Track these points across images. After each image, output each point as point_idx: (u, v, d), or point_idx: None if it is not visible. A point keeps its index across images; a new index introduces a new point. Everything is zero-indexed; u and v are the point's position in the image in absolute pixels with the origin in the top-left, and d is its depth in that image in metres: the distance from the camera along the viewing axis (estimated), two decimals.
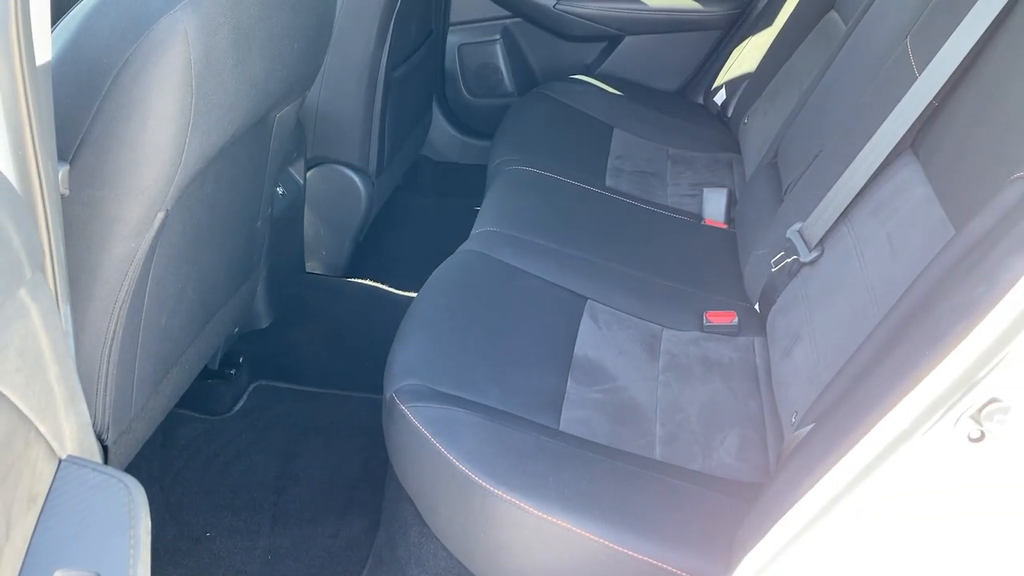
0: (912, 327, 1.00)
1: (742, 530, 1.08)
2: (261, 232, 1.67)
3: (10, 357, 0.63)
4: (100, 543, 0.70)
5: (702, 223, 2.00)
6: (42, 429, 0.69)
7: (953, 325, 0.87)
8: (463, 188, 2.62)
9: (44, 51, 0.89)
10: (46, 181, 0.91)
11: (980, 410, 0.81)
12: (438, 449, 1.19)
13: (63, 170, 1.03)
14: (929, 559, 0.87)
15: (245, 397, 1.91)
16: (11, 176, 0.86)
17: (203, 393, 1.80)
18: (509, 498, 1.13)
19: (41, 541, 0.68)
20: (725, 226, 2.00)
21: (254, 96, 1.24)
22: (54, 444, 0.72)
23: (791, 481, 1.02)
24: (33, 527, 0.68)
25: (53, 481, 0.71)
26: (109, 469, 0.75)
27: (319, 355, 2.03)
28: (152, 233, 1.13)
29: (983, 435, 0.82)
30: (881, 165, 1.39)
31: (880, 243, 1.31)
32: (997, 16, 1.26)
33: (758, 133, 2.17)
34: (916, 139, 1.37)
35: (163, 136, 1.05)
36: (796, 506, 0.95)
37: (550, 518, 1.12)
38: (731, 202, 2.03)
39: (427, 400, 1.27)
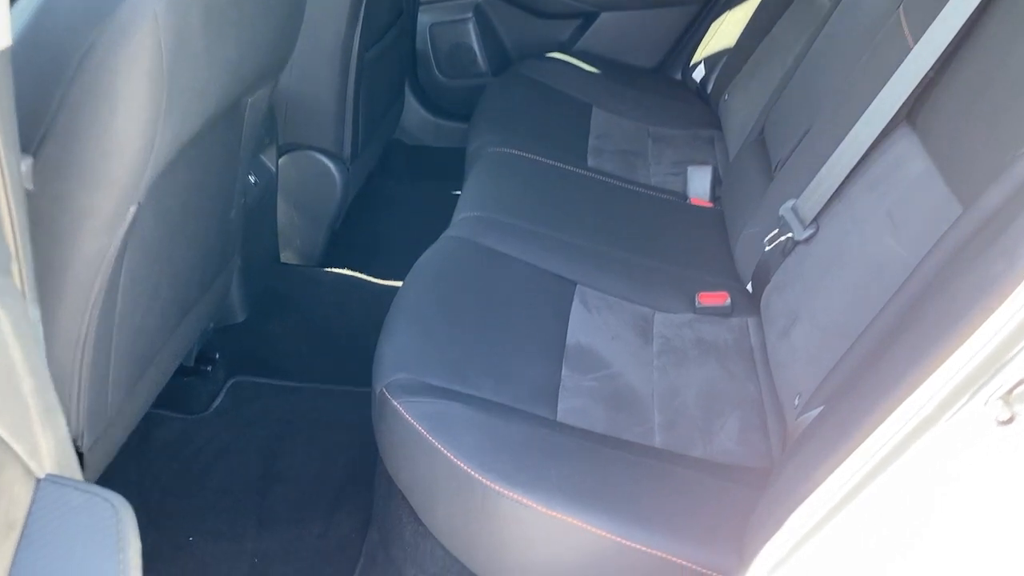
0: (926, 306, 0.97)
1: (754, 520, 1.05)
2: (235, 223, 1.60)
3: None
4: (87, 569, 0.64)
5: (687, 202, 1.96)
6: (17, 448, 0.63)
7: (973, 304, 0.84)
8: (438, 171, 2.56)
9: (3, 36, 0.82)
10: (9, 176, 0.84)
11: (1010, 391, 0.78)
12: (434, 446, 1.14)
13: (27, 164, 0.96)
14: (958, 548, 0.84)
15: (223, 394, 1.85)
16: None
17: (179, 391, 1.74)
18: (511, 494, 1.09)
19: (22, 571, 0.62)
20: (711, 204, 1.97)
21: (227, 81, 1.18)
22: (31, 463, 0.66)
23: (804, 468, 0.98)
24: (12, 556, 0.62)
25: (32, 503, 0.65)
26: (93, 487, 0.69)
27: (298, 348, 1.97)
28: (124, 227, 1.07)
29: (1013, 417, 0.79)
30: (876, 139, 1.36)
31: (880, 219, 1.28)
32: None
33: (740, 109, 2.14)
34: (912, 111, 1.34)
35: (133, 125, 0.98)
36: (813, 495, 0.92)
37: (554, 513, 1.08)
38: (715, 180, 2.00)
39: (420, 394, 1.22)
